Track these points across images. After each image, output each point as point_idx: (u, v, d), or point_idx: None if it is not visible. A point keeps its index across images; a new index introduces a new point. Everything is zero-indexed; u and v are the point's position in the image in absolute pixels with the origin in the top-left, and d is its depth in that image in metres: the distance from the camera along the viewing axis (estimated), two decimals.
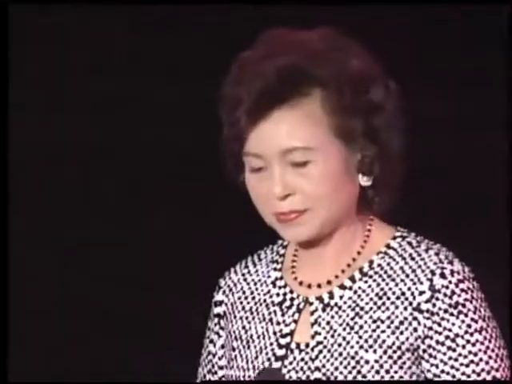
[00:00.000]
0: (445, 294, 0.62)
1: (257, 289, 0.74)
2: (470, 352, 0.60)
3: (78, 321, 3.40)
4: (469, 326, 0.61)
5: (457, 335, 0.61)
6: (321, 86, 0.64)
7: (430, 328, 0.62)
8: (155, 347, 3.15)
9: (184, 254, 3.12)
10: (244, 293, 0.75)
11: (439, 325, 0.62)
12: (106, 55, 3.17)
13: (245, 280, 0.76)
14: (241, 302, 0.75)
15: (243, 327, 0.73)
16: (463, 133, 2.50)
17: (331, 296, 0.67)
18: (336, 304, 0.66)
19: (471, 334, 0.60)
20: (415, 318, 0.63)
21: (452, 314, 0.61)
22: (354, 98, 0.64)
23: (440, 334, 0.61)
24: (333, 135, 0.64)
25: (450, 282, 0.63)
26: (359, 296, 0.66)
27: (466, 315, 0.61)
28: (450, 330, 0.62)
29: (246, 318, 0.73)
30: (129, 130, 3.26)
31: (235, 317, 0.75)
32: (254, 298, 0.74)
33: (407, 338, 0.62)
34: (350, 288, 0.66)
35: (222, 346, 0.77)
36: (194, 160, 3.03)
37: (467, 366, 0.60)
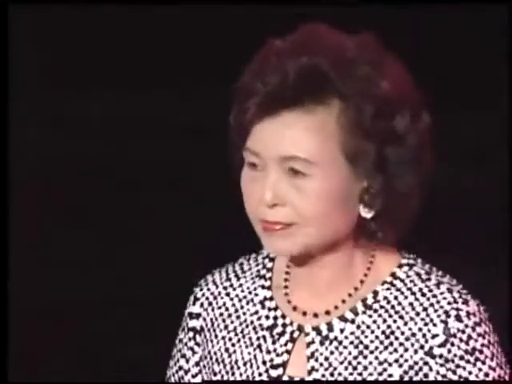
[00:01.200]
0: (461, 339, 0.56)
1: (242, 307, 0.67)
2: None
3: (78, 321, 3.39)
4: (486, 374, 0.55)
5: None
6: (341, 98, 0.58)
7: (444, 376, 0.56)
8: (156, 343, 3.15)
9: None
10: (227, 309, 0.68)
11: (454, 373, 0.56)
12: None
13: (227, 295, 0.69)
14: (223, 320, 0.68)
15: (226, 350, 0.65)
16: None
17: (330, 328, 0.60)
18: (336, 338, 0.59)
19: None
20: (426, 363, 0.56)
21: (469, 362, 0.55)
22: (374, 120, 0.58)
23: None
24: (340, 154, 0.58)
25: (467, 325, 0.56)
26: (363, 332, 0.59)
27: (484, 363, 0.55)
28: (466, 380, 0.55)
29: (230, 339, 0.66)
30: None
31: (216, 336, 0.67)
32: (238, 318, 0.67)
33: None
34: (353, 321, 0.60)
35: (197, 364, 0.69)
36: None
37: None
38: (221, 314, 0.68)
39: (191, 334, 0.69)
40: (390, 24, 2.52)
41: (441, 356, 0.57)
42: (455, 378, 0.55)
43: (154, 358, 3.14)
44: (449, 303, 0.57)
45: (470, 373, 0.55)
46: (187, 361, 0.69)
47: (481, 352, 0.56)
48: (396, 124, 0.59)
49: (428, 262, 0.66)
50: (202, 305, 0.70)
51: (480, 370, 0.55)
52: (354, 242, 0.62)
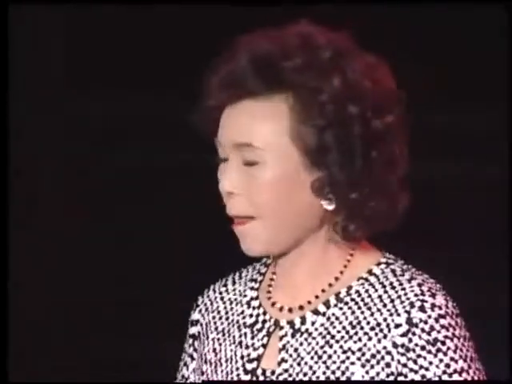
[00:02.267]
0: (423, 330, 0.56)
1: (232, 308, 0.69)
2: None
3: (78, 321, 3.40)
4: (447, 365, 0.55)
5: (434, 375, 0.55)
6: (295, 88, 0.58)
7: (405, 365, 0.56)
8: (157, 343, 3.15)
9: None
10: (219, 312, 0.70)
11: (415, 362, 0.56)
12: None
13: (221, 299, 0.70)
14: (214, 323, 0.69)
15: (214, 350, 0.67)
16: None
17: (303, 321, 0.61)
18: (307, 330, 0.60)
19: (450, 375, 0.55)
20: (389, 353, 0.57)
21: (430, 352, 0.55)
22: (326, 110, 0.57)
23: (416, 372, 0.56)
24: (293, 143, 0.58)
25: (430, 316, 0.56)
26: (332, 323, 0.60)
27: (446, 354, 0.55)
28: (426, 369, 0.55)
29: (218, 339, 0.68)
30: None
31: (207, 338, 0.69)
32: (227, 319, 0.68)
33: (378, 373, 0.56)
34: (324, 314, 0.60)
35: (194, 370, 0.71)
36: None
37: None
38: (213, 318, 0.70)
39: (191, 341, 0.72)
40: (390, 23, 2.52)
41: (402, 345, 0.56)
42: (416, 367, 0.56)
43: (155, 358, 3.14)
44: (415, 295, 0.59)
45: (430, 363, 0.56)
46: (187, 368, 0.71)
47: (443, 343, 0.56)
48: (349, 116, 0.59)
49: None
50: (200, 311, 0.72)
51: (441, 360, 0.56)
52: (327, 238, 0.62)
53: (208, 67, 0.63)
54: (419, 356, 0.56)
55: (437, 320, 0.56)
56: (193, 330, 0.72)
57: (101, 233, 3.33)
